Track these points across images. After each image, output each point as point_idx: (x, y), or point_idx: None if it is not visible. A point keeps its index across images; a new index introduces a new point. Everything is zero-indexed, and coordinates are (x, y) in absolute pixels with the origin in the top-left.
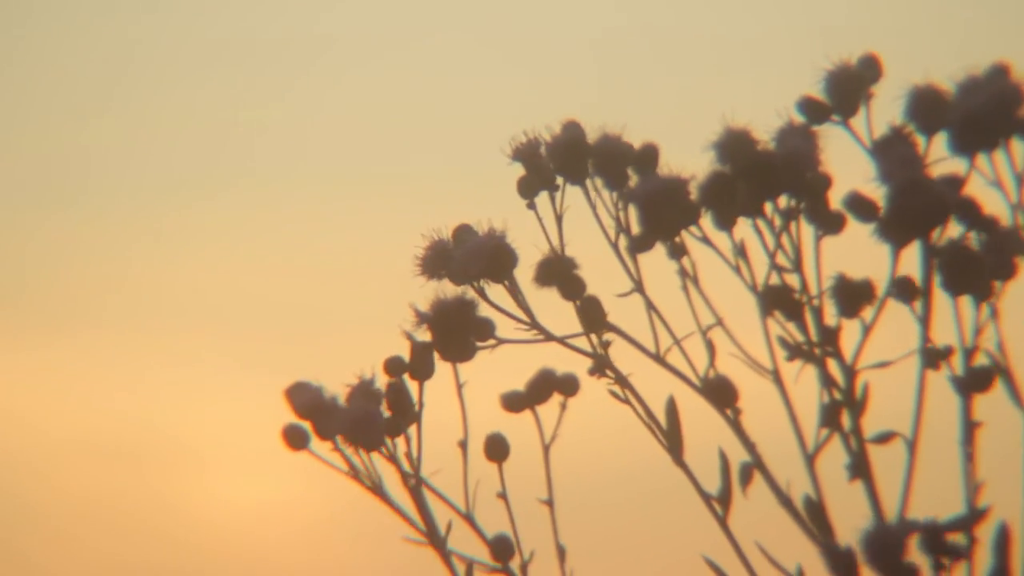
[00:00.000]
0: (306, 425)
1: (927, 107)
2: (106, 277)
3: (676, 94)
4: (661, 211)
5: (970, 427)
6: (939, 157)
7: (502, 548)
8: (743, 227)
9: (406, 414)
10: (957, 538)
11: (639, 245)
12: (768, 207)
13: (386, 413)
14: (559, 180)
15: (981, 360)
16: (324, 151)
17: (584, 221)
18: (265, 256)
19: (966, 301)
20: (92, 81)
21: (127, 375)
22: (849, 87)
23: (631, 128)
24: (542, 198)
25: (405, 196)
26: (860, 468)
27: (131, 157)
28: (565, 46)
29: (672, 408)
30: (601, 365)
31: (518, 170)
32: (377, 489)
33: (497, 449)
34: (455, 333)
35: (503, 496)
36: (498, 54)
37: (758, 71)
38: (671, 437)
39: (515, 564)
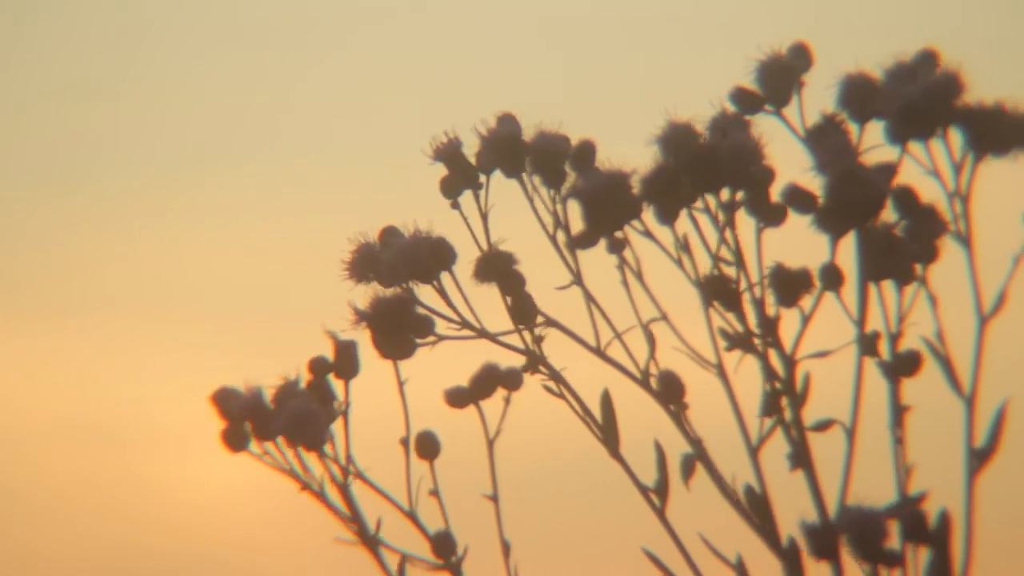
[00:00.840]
0: (246, 426)
1: (860, 95)
2: (86, 261)
3: (613, 84)
4: (605, 208)
5: (899, 411)
6: (872, 145)
7: (443, 544)
8: (685, 221)
9: (328, 413)
10: (896, 525)
11: (582, 242)
12: (711, 201)
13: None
14: (482, 178)
15: (909, 345)
16: (310, 136)
17: (521, 213)
18: (245, 240)
19: (891, 287)
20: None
21: (107, 358)
22: (781, 76)
23: (569, 123)
24: (466, 196)
25: (392, 175)
26: (801, 457)
27: (111, 142)
28: (502, 38)
29: (607, 402)
30: (534, 361)
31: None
32: (317, 488)
33: (428, 447)
34: (395, 330)
35: (435, 494)
36: (438, 44)
37: (692, 60)
38: (607, 431)
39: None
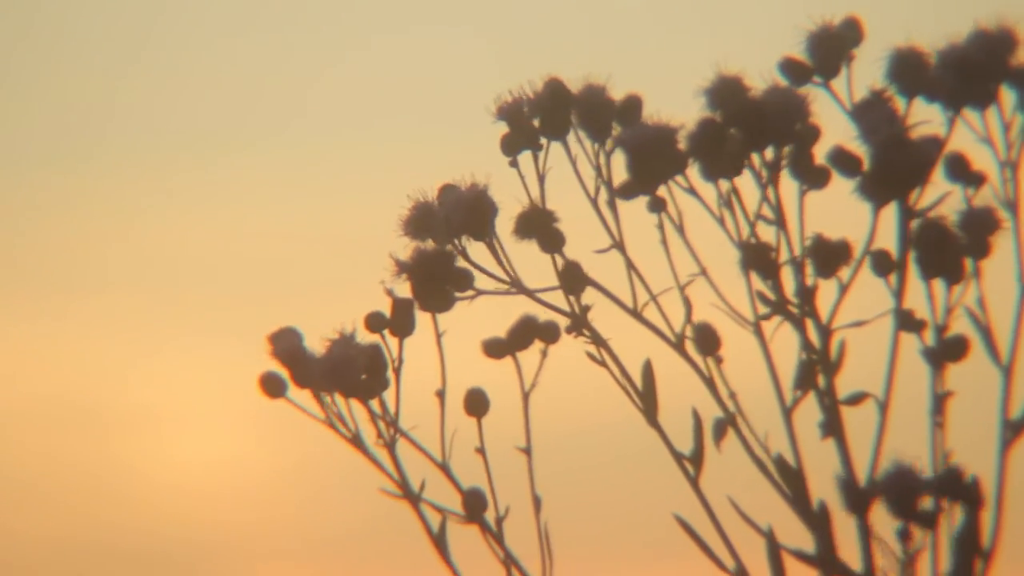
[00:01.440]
0: (283, 373)
1: (908, 69)
2: (60, 238)
3: (663, 50)
4: (650, 158)
5: (939, 398)
6: (920, 120)
7: (475, 501)
8: (729, 179)
9: (381, 378)
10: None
11: (625, 192)
12: (755, 158)
13: (363, 376)
14: (543, 140)
15: (956, 329)
16: (302, 113)
17: (565, 182)
18: (223, 218)
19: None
20: None
21: (82, 335)
22: (831, 48)
23: (617, 80)
24: (525, 157)
25: (390, 158)
26: (833, 426)
27: (84, 119)
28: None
29: (648, 371)
30: (579, 325)
31: (503, 129)
32: (355, 439)
33: (477, 404)
34: (435, 283)
35: (481, 452)
36: (480, 13)
37: (743, 31)
38: (646, 399)
39: (491, 517)
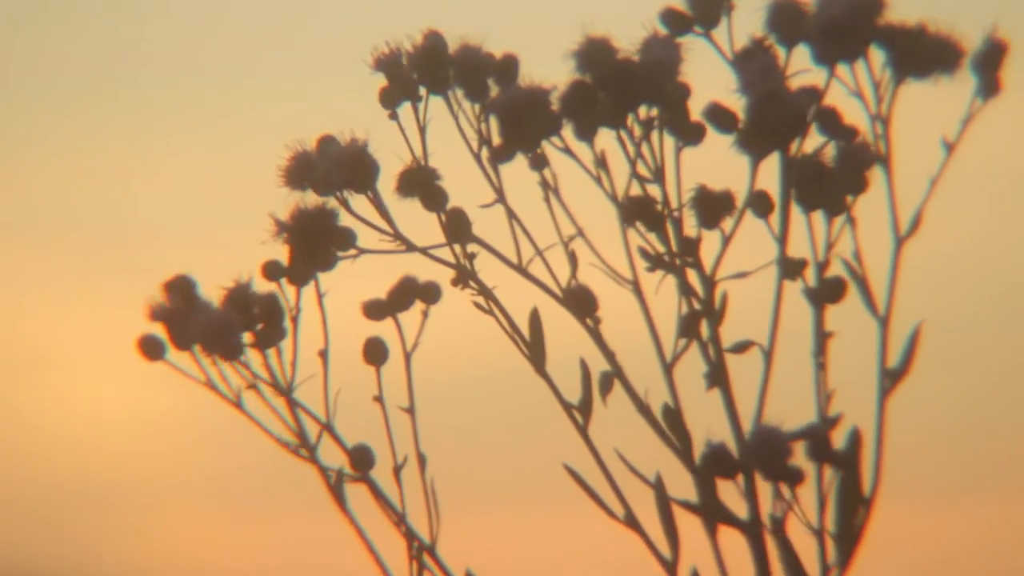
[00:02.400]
0: (162, 334)
1: (787, 19)
2: None
3: (536, 5)
4: (522, 121)
5: (822, 337)
6: (799, 69)
7: (362, 458)
8: (604, 138)
9: (278, 327)
10: (809, 446)
11: (500, 155)
12: (629, 117)
13: (259, 325)
14: (422, 91)
15: (834, 271)
16: (186, 59)
17: (447, 133)
18: (120, 162)
19: (819, 215)
20: None
21: None
22: None
23: (492, 39)
24: (405, 109)
25: (270, 106)
26: (718, 377)
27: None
28: None
29: (535, 321)
30: (465, 277)
31: (382, 81)
32: (236, 400)
33: (376, 352)
34: (315, 242)
35: (380, 400)
36: None
37: None
38: (534, 349)
39: (388, 467)
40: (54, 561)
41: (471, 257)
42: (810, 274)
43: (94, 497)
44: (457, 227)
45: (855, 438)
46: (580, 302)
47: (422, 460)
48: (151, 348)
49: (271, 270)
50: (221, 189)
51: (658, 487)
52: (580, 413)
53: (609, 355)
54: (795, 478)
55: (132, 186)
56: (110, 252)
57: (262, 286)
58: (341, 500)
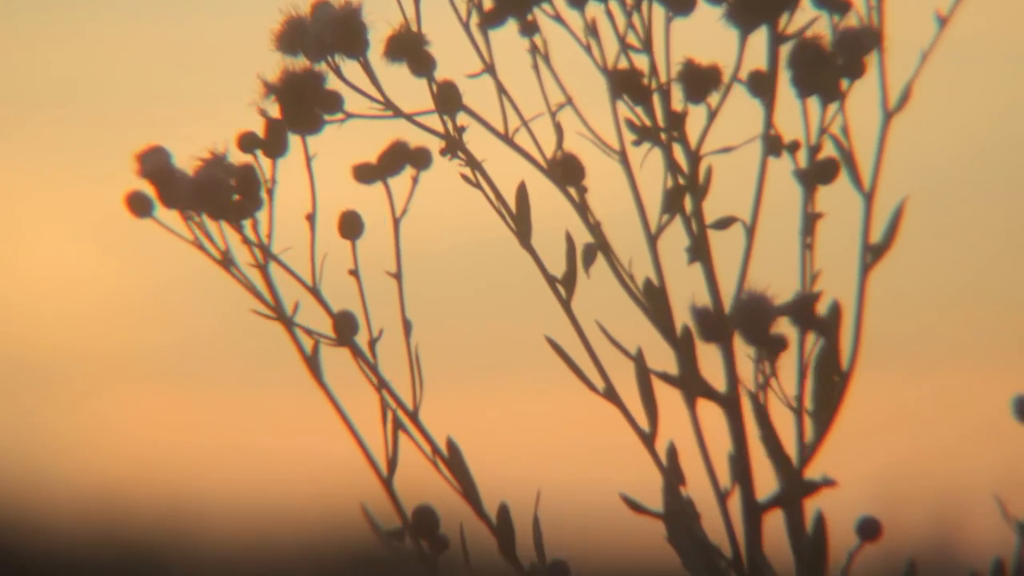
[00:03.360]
0: (150, 192)
1: None
2: None
3: None
4: None
5: (810, 218)
6: None
7: (346, 324)
8: (594, 6)
9: (254, 197)
10: (794, 320)
11: (491, 20)
12: None
13: (235, 196)
14: None
15: (825, 152)
16: None
17: (437, 6)
18: (90, 33)
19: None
20: None
21: None
22: None
23: None
24: None
25: None
26: (700, 251)
27: None
28: None
29: (522, 194)
30: (453, 147)
31: None
32: (224, 261)
33: (351, 226)
34: (303, 104)
35: (355, 273)
36: None
37: None
38: (520, 222)
39: (363, 340)
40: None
41: (460, 130)
42: (801, 156)
43: (67, 369)
44: (447, 97)
45: (835, 311)
46: (568, 170)
47: (407, 326)
48: (139, 205)
49: (246, 142)
50: (212, 55)
51: (638, 360)
52: (563, 286)
53: (594, 226)
54: (777, 345)
55: (115, 59)
56: (87, 126)
57: (238, 158)
58: (316, 371)
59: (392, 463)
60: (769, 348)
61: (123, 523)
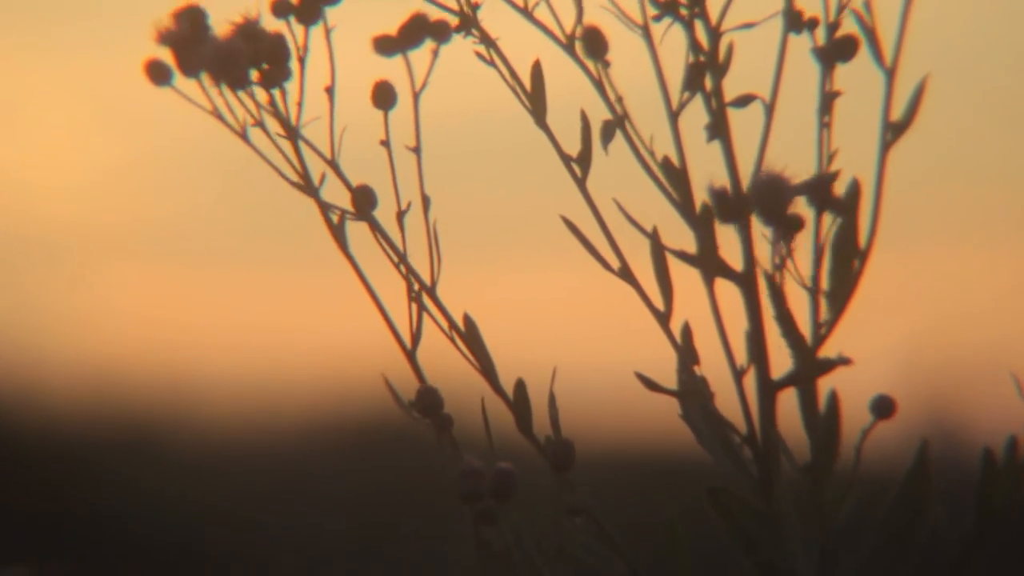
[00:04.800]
0: (170, 60)
1: None
2: None
3: None
4: None
5: (828, 97)
6: None
7: (364, 197)
8: None
9: (284, 67)
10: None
11: None
12: None
13: (264, 65)
14: None
15: (846, 30)
16: None
17: None
18: None
19: None
20: None
21: None
22: None
23: None
24: None
25: None
26: (719, 129)
27: None
28: None
29: (537, 73)
30: (467, 24)
31: None
32: (242, 132)
33: (385, 96)
34: None
35: (386, 145)
36: None
37: None
38: (535, 100)
39: (391, 214)
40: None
41: (475, 7)
42: (820, 33)
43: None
44: None
45: (854, 189)
46: (591, 43)
47: (426, 201)
48: (158, 73)
49: (280, 7)
50: None
51: (654, 238)
52: (579, 165)
53: (614, 102)
54: (794, 224)
55: None
56: None
57: (271, 25)
58: (342, 241)
59: (416, 336)
60: (786, 227)
61: (124, 400)
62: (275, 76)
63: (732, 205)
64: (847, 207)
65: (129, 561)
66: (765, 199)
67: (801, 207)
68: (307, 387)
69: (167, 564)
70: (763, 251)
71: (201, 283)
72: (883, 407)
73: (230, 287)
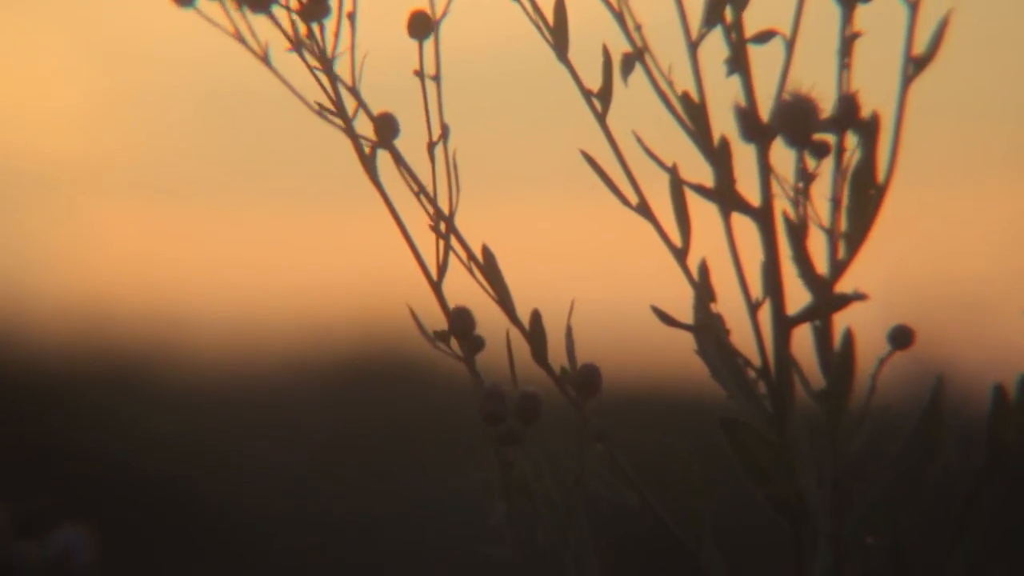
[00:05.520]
0: None
1: None
2: None
3: None
4: None
5: (848, 40)
6: None
7: (387, 126)
8: None
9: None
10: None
11: None
12: None
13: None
14: None
15: None
16: None
17: None
18: None
19: None
20: None
21: None
22: None
23: None
24: None
25: None
26: (739, 63)
27: None
28: None
29: (560, 7)
30: None
31: None
32: (264, 56)
33: (421, 26)
34: None
35: (419, 75)
36: None
37: None
38: (557, 35)
39: (407, 145)
40: None
41: None
42: None
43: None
44: None
45: (874, 120)
46: None
47: (445, 130)
48: None
49: None
50: None
51: (673, 171)
52: (599, 100)
53: (633, 33)
54: (820, 148)
55: None
56: None
57: None
58: (373, 172)
59: (442, 268)
60: (811, 150)
61: (112, 335)
62: (314, 10)
63: (756, 124)
64: (869, 128)
65: (115, 495)
66: (791, 118)
67: (825, 133)
68: (295, 324)
69: (154, 499)
70: (781, 187)
71: (190, 218)
72: (901, 337)
73: (218, 222)
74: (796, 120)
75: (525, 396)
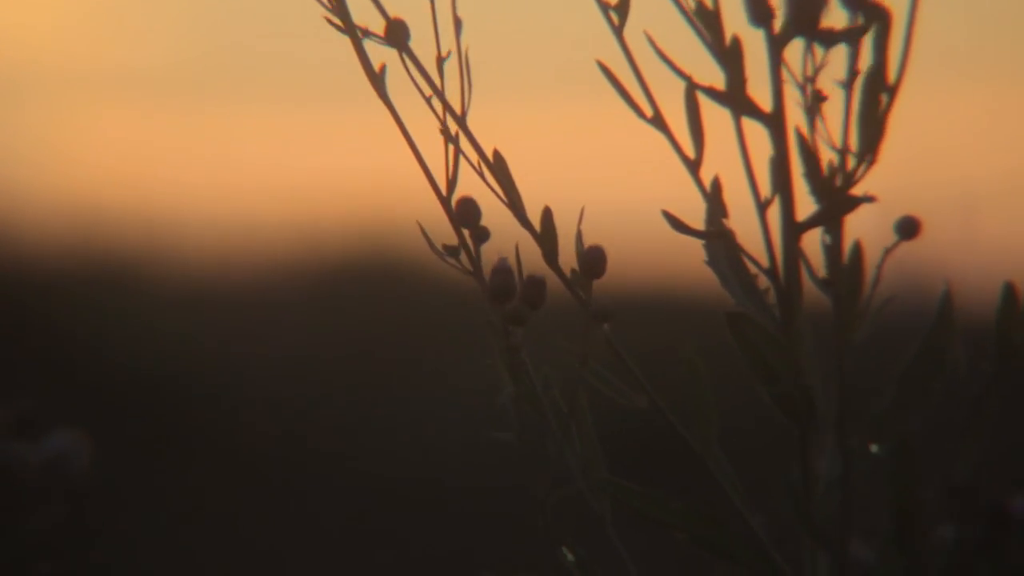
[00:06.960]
0: None
1: None
2: None
3: None
4: None
5: None
6: None
7: (398, 26)
8: None
9: None
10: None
11: None
12: None
13: None
14: None
15: None
16: None
17: None
18: None
19: None
20: None
21: None
22: None
23: None
24: None
25: None
26: None
27: None
28: None
29: None
30: None
31: None
32: None
33: None
34: None
35: None
36: None
37: None
38: None
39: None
40: None
41: None
42: None
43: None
44: None
45: (885, 17)
46: None
47: (458, 24)
48: None
49: None
50: None
51: (688, 78)
52: (616, 13)
53: None
54: (828, 38)
55: None
56: None
57: None
58: (381, 88)
59: (452, 179)
60: (819, 39)
61: (111, 235)
62: None
63: (765, 6)
64: (881, 17)
65: (107, 394)
66: (800, 3)
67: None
68: (293, 224)
69: (148, 398)
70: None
71: (187, 117)
72: (908, 228)
73: (215, 121)
74: (804, 4)
75: (531, 281)
